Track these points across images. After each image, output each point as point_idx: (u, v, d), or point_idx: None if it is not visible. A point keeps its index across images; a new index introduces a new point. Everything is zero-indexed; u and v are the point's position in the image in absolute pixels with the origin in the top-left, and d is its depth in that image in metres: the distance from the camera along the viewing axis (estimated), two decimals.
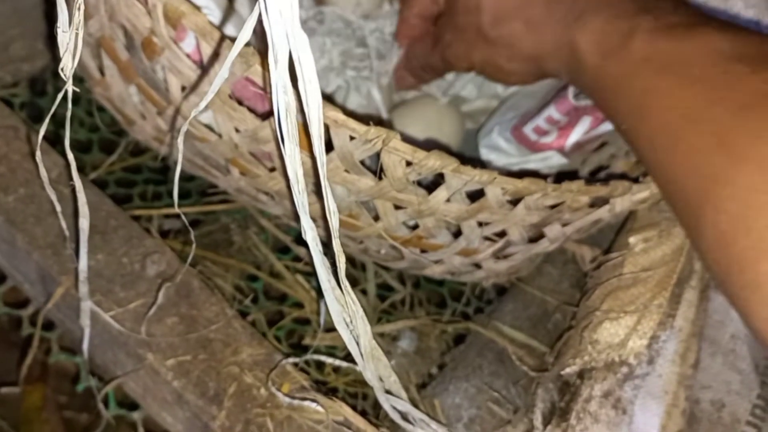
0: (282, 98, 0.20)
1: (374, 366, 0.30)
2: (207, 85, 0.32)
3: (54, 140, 0.46)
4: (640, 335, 0.35)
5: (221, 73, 0.20)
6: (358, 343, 0.28)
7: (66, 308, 0.37)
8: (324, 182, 0.21)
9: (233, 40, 0.29)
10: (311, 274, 0.46)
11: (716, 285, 0.31)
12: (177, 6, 0.29)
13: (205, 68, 0.31)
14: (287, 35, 0.18)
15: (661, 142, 0.31)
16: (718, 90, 0.29)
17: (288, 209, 0.39)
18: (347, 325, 0.27)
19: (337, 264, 0.24)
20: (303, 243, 0.47)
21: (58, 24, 0.20)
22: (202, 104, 0.21)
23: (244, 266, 0.45)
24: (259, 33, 0.22)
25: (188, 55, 0.32)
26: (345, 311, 0.27)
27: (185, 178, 0.49)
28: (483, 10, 0.39)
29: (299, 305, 0.45)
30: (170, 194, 0.48)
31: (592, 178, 0.47)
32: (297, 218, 0.40)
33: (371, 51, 0.47)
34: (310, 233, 0.23)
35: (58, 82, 0.49)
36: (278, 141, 0.21)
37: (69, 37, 0.20)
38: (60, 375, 0.47)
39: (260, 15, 0.19)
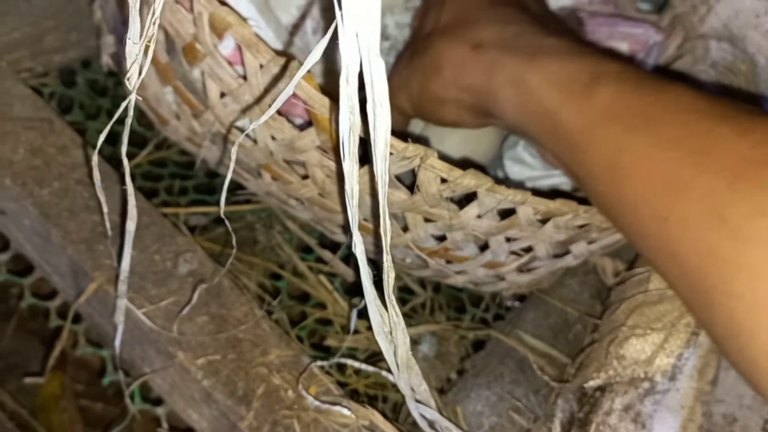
0: (348, 118, 0.20)
1: (407, 375, 0.30)
2: (247, 93, 0.32)
3: (84, 132, 0.46)
4: (667, 353, 0.35)
5: (286, 91, 0.20)
6: (395, 354, 0.29)
7: (96, 302, 0.37)
8: (382, 201, 0.21)
9: (278, 53, 0.29)
10: (334, 276, 0.46)
11: (730, 364, 0.29)
12: (224, 17, 0.29)
13: (246, 76, 0.31)
14: (361, 58, 0.18)
15: (647, 211, 0.28)
16: (703, 155, 0.27)
17: (317, 215, 0.39)
18: (386, 336, 0.28)
19: (385, 279, 0.24)
20: (327, 246, 0.47)
21: (129, 35, 0.20)
22: (263, 118, 0.22)
23: (268, 265, 0.45)
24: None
25: (226, 59, 0.32)
26: (385, 323, 0.27)
27: (211, 174, 0.49)
28: (438, 25, 0.38)
29: (322, 306, 0.45)
30: (196, 189, 0.48)
31: None
32: (324, 224, 0.40)
33: (393, 42, 0.47)
34: (360, 247, 0.24)
35: (88, 73, 0.49)
36: (334, 154, 0.21)
37: (139, 48, 0.20)
38: (79, 365, 0.48)
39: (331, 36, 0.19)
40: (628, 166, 0.29)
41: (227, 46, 0.32)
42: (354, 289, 0.46)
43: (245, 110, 0.31)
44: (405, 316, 0.46)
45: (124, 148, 0.24)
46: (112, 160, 0.46)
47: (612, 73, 0.31)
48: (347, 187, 0.22)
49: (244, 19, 0.29)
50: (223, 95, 0.33)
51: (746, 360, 0.26)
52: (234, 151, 0.23)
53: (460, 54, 0.36)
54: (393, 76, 0.41)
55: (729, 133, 0.26)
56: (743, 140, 0.26)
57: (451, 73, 0.36)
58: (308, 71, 0.23)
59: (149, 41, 0.19)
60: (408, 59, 0.40)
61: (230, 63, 0.32)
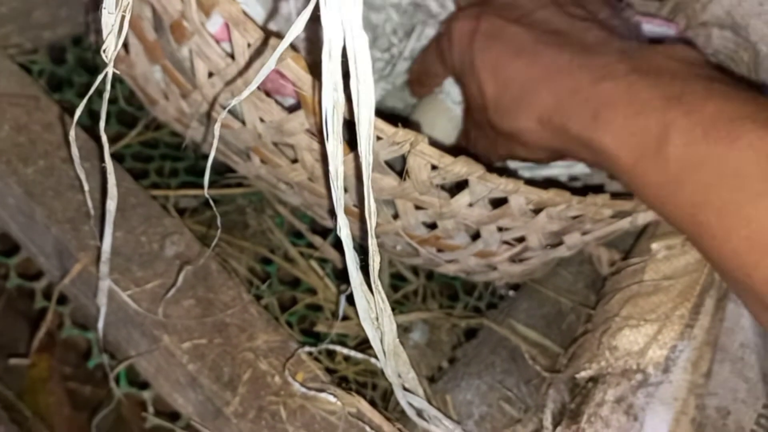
0: (331, 95, 0.19)
1: (394, 362, 0.30)
2: (235, 72, 0.31)
3: (73, 111, 0.45)
4: (660, 345, 0.35)
5: (267, 65, 0.20)
6: (381, 340, 0.28)
7: (81, 284, 0.37)
8: (367, 182, 0.21)
9: (265, 30, 0.28)
10: (325, 261, 0.45)
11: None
12: None
13: (233, 55, 0.30)
14: (344, 32, 0.18)
15: (737, 263, 0.30)
16: None
17: (307, 200, 0.38)
18: (373, 322, 0.27)
19: (371, 264, 0.23)
20: (318, 231, 0.46)
21: (104, 5, 0.19)
22: (245, 93, 0.21)
23: (258, 249, 0.45)
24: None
25: (213, 36, 0.31)
26: (371, 308, 0.27)
27: (203, 155, 0.48)
28: (488, 108, 0.37)
29: (312, 291, 0.44)
30: (187, 171, 0.48)
31: (612, 184, 0.46)
32: (314, 209, 0.40)
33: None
34: (345, 230, 0.23)
35: (78, 51, 0.48)
36: (322, 137, 0.21)
37: (115, 18, 0.19)
38: (66, 347, 0.47)
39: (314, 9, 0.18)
40: (707, 222, 0.30)
41: (215, 23, 0.31)
42: (345, 275, 0.45)
43: (231, 88, 0.31)
44: (397, 303, 0.46)
45: (102, 123, 0.23)
46: (98, 138, 0.45)
47: (680, 120, 0.30)
48: (331, 168, 0.21)
49: None
50: (211, 75, 0.32)
51: None
52: (217, 128, 0.22)
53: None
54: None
55: None
56: None
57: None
58: (295, 49, 0.22)
59: (125, 11, 0.19)
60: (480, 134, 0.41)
61: (218, 41, 0.31)
